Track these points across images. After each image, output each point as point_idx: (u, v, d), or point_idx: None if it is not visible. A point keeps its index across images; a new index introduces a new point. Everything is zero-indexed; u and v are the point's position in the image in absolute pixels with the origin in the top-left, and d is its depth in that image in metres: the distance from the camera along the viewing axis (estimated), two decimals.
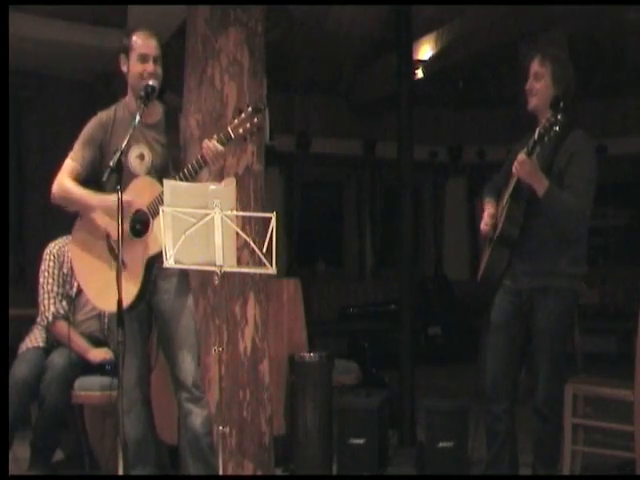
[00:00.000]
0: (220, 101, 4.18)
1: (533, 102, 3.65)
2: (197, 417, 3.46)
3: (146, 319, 3.54)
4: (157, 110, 3.53)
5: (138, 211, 3.35)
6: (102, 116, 3.53)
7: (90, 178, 3.45)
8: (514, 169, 3.46)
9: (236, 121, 3.29)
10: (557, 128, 3.32)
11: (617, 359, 7.80)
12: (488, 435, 3.78)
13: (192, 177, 3.30)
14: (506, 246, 3.61)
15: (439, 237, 10.50)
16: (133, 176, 3.39)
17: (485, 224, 3.74)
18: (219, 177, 3.44)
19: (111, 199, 3.15)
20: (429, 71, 7.98)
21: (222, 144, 3.28)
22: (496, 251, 3.65)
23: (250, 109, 3.29)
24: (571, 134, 3.55)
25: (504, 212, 3.60)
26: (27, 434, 4.32)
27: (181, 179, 3.29)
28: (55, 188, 3.48)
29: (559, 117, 3.31)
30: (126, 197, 3.11)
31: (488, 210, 3.77)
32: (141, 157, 3.45)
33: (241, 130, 3.27)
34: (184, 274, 3.50)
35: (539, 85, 3.62)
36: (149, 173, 3.42)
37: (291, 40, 7.91)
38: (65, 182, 3.47)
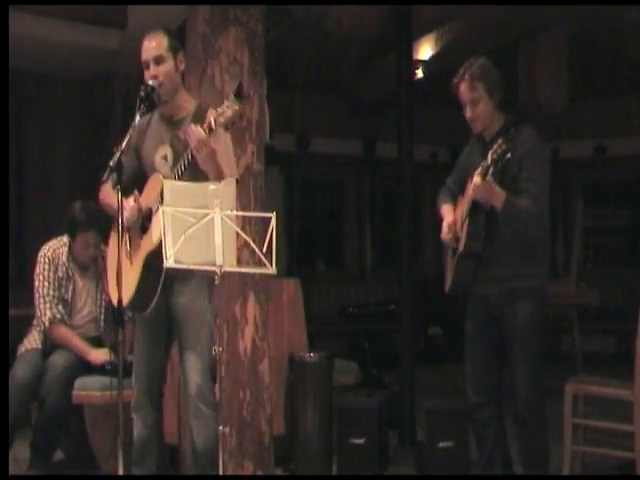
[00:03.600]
0: (220, 101, 4.18)
1: (478, 126, 3.65)
2: (199, 435, 3.38)
3: (163, 323, 3.46)
4: (186, 105, 3.47)
5: (149, 209, 3.37)
6: (140, 121, 3.41)
7: (134, 184, 3.42)
8: (470, 192, 3.45)
9: (219, 110, 3.19)
10: (509, 155, 3.29)
11: (617, 359, 7.80)
12: (477, 440, 3.78)
13: (182, 171, 3.26)
14: (471, 260, 3.62)
15: (439, 237, 10.48)
16: None
17: (445, 234, 3.74)
18: (218, 172, 3.34)
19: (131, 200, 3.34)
20: (429, 71, 7.98)
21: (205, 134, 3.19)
22: (461, 265, 3.65)
23: (232, 97, 3.18)
24: (518, 132, 3.52)
25: (465, 228, 3.59)
26: (27, 434, 4.33)
27: (177, 173, 3.27)
28: (100, 194, 3.55)
29: (510, 145, 3.28)
30: (137, 199, 3.33)
31: (446, 219, 3.76)
32: (165, 158, 3.43)
33: (222, 119, 3.16)
34: (205, 278, 3.37)
35: (479, 109, 3.60)
36: (173, 173, 3.37)
37: (291, 40, 7.91)
38: (103, 188, 3.49)
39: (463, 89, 3.61)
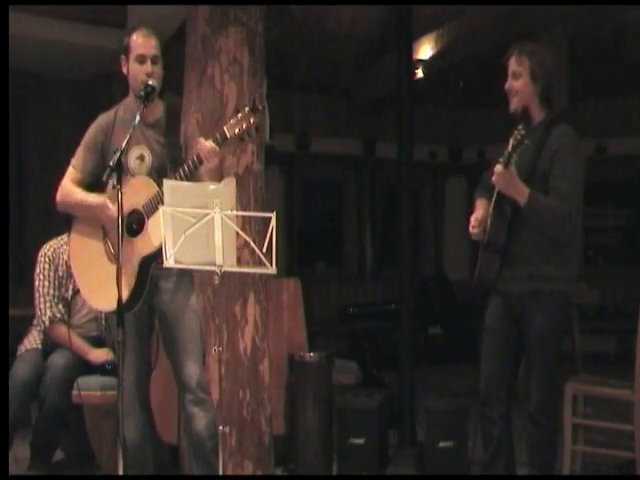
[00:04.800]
0: (220, 101, 4.19)
1: (515, 102, 3.58)
2: (201, 420, 3.41)
3: (146, 320, 3.50)
4: (158, 108, 3.50)
5: (134, 211, 3.34)
6: (102, 119, 3.53)
7: (94, 182, 3.42)
8: (493, 180, 3.41)
9: (232, 121, 3.24)
10: (527, 142, 3.27)
11: (617, 359, 7.81)
12: (484, 438, 3.75)
13: (188, 177, 3.28)
14: (494, 252, 3.57)
15: (439, 237, 10.50)
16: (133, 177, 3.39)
17: (472, 227, 3.68)
18: (218, 175, 3.40)
19: (108, 200, 3.30)
20: (429, 71, 7.98)
21: (217, 144, 3.24)
22: (485, 259, 3.61)
23: (247, 109, 3.24)
24: (555, 130, 3.49)
25: (489, 219, 3.56)
26: (27, 434, 4.32)
27: (179, 178, 3.28)
28: (58, 195, 3.51)
29: (523, 132, 3.27)
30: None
31: (476, 212, 3.72)
32: (141, 158, 3.42)
33: (237, 130, 3.22)
34: (186, 273, 3.46)
35: (518, 84, 3.56)
36: (149, 174, 3.40)
37: (291, 40, 7.91)
38: (66, 187, 3.49)
39: (510, 62, 3.59)
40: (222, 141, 3.24)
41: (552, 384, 3.58)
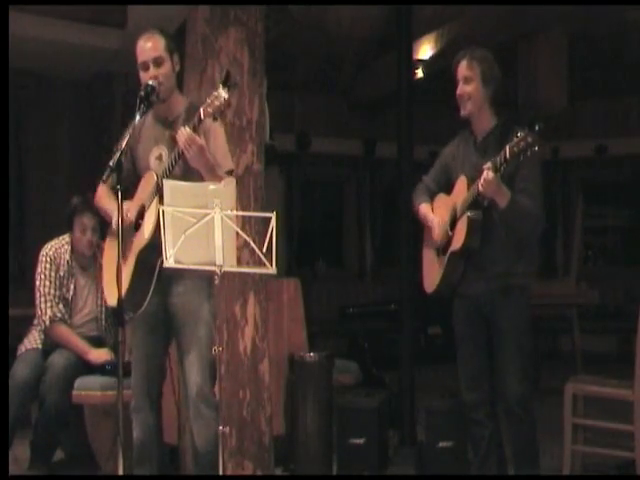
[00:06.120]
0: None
1: (468, 107, 3.63)
2: (199, 435, 3.36)
3: (161, 323, 3.44)
4: (179, 105, 3.48)
5: (142, 206, 3.36)
6: (135, 124, 3.49)
7: (129, 185, 3.40)
8: (480, 187, 3.41)
9: (207, 101, 3.16)
10: (536, 148, 3.26)
11: (617, 359, 7.80)
12: (472, 440, 3.78)
13: (174, 165, 3.26)
14: (463, 258, 3.61)
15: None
16: None
17: (437, 235, 3.71)
18: (203, 161, 3.25)
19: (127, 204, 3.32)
20: (429, 70, 7.98)
21: (194, 129, 3.18)
22: (452, 264, 3.64)
23: (220, 86, 3.13)
24: (515, 133, 3.49)
25: (464, 225, 3.55)
26: (27, 434, 4.33)
27: (168, 169, 3.27)
28: (95, 198, 3.58)
29: (536, 138, 3.24)
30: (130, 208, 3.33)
31: (434, 218, 3.75)
32: (160, 158, 3.41)
33: (210, 109, 3.13)
34: (203, 278, 3.36)
35: (470, 88, 3.60)
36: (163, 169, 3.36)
37: (291, 40, 7.91)
38: (98, 192, 3.53)
39: (460, 67, 3.64)
40: (198, 123, 3.18)
41: (526, 376, 3.61)
